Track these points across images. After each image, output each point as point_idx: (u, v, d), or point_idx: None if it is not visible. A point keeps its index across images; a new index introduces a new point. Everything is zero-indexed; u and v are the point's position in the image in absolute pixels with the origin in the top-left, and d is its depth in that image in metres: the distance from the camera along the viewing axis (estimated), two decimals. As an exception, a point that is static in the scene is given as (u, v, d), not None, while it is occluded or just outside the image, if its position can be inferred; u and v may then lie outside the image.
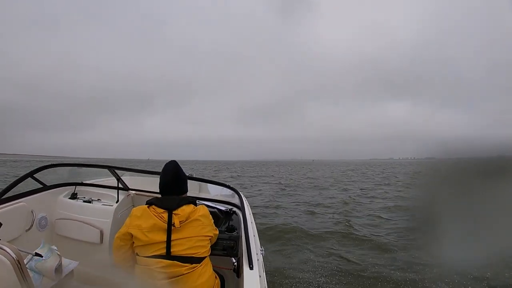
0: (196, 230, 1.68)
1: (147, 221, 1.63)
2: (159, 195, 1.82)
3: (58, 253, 1.84)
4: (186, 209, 1.70)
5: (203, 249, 1.71)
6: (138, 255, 1.66)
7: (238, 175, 28.84)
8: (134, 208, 1.75)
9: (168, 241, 1.61)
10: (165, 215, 1.64)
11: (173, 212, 1.66)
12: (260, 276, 1.64)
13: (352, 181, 22.20)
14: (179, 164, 1.92)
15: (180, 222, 1.64)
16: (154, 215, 1.65)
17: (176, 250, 1.61)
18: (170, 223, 1.63)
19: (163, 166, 1.89)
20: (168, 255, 1.60)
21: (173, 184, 1.81)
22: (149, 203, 1.72)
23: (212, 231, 1.81)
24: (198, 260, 1.67)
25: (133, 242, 1.66)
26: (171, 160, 1.94)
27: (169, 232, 1.62)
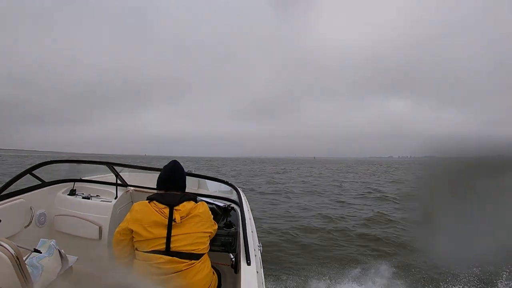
0: (196, 226, 1.73)
1: (148, 216, 1.67)
2: (157, 191, 1.86)
3: (57, 248, 1.86)
4: (187, 205, 1.74)
5: (203, 246, 1.75)
6: (137, 250, 1.70)
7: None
8: (135, 203, 1.78)
9: (168, 237, 1.64)
10: (166, 211, 1.69)
11: (174, 207, 1.70)
12: (257, 272, 1.67)
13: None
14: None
15: (181, 217, 1.68)
16: (155, 210, 1.69)
17: (175, 245, 1.65)
18: (171, 219, 1.67)
19: (163, 165, 1.97)
20: (167, 251, 1.63)
21: (175, 179, 1.87)
22: (150, 199, 1.76)
23: (212, 226, 1.86)
24: (197, 256, 1.71)
25: (133, 237, 1.70)
26: (173, 159, 2.01)
27: (169, 228, 1.66)
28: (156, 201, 1.73)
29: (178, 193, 1.84)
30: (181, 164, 1.98)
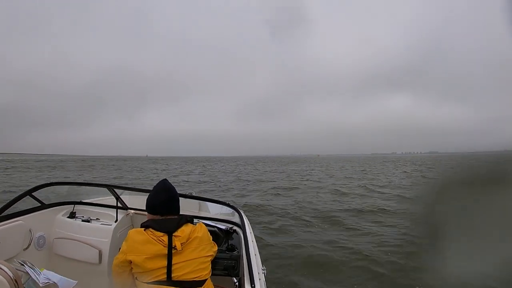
0: (196, 251, 1.67)
1: (147, 247, 1.60)
2: (151, 216, 1.78)
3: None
4: (185, 229, 1.68)
5: (205, 272, 1.70)
6: (137, 279, 1.65)
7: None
8: (130, 231, 1.72)
9: (169, 266, 1.59)
10: (165, 239, 1.61)
11: (173, 234, 1.64)
12: None
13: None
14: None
15: (181, 244, 1.62)
16: (153, 239, 1.61)
17: (177, 274, 1.59)
18: (170, 247, 1.60)
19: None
20: (169, 280, 1.58)
21: (170, 203, 1.78)
22: (145, 226, 1.68)
23: (212, 249, 1.81)
24: (200, 283, 1.66)
25: (132, 268, 1.65)
26: (163, 179, 1.90)
27: (169, 256, 1.60)
28: (153, 228, 1.64)
29: (175, 217, 1.75)
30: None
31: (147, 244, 1.60)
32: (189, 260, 1.63)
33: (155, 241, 1.61)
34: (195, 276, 1.63)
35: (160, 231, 1.63)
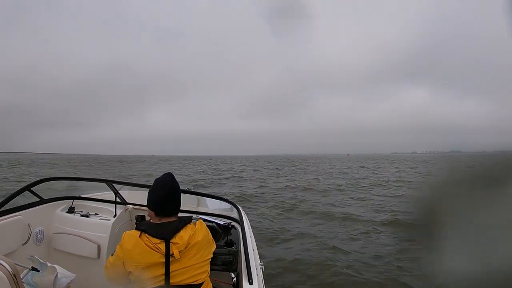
0: (196, 257, 1.67)
1: (142, 256, 1.58)
2: (151, 219, 1.78)
3: (54, 266, 1.99)
4: (184, 235, 1.64)
5: (203, 275, 1.72)
6: (134, 283, 1.68)
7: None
8: (124, 234, 1.69)
9: (167, 273, 1.60)
10: (162, 246, 1.59)
11: (171, 241, 1.61)
12: None
13: None
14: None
15: (179, 251, 1.60)
16: (149, 246, 1.59)
17: (175, 281, 1.62)
18: (168, 254, 1.59)
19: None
20: (167, 285, 1.61)
21: (172, 201, 1.75)
22: (141, 230, 1.64)
23: (211, 252, 1.81)
24: (198, 286, 1.69)
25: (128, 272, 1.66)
26: (167, 173, 1.85)
27: (167, 264, 1.60)
28: (149, 234, 1.60)
29: (173, 219, 1.71)
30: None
31: (143, 253, 1.58)
32: (188, 266, 1.64)
33: (151, 249, 1.58)
34: (193, 280, 1.66)
35: (157, 238, 1.60)
